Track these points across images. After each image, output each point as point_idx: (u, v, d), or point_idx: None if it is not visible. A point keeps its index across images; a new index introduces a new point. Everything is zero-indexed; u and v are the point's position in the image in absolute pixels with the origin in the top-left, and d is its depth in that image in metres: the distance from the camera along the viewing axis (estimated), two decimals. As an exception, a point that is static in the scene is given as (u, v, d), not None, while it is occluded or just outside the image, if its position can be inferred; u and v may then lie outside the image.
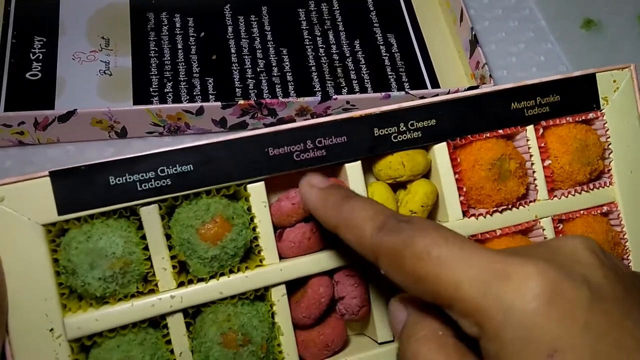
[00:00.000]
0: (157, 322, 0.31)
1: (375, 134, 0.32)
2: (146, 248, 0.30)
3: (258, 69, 0.50)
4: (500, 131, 0.34)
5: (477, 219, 0.34)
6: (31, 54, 0.48)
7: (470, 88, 0.47)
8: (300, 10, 0.55)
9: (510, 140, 0.35)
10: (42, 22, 0.50)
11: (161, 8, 0.53)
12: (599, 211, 0.36)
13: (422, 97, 0.48)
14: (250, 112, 0.46)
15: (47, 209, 0.28)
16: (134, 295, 0.30)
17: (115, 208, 0.29)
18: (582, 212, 0.36)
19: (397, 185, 0.35)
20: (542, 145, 0.35)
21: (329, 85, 0.50)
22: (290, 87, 0.50)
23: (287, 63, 0.51)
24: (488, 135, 0.34)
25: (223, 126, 0.47)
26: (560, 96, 0.35)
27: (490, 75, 0.48)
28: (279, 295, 0.32)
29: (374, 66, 0.52)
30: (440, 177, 0.34)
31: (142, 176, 0.29)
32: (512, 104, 0.34)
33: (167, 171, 0.29)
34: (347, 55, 0.52)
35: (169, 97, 0.48)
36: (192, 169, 0.30)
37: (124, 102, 0.47)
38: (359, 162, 0.32)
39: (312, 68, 0.51)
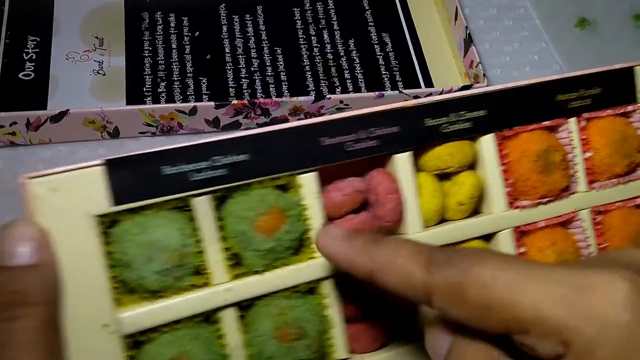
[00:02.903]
0: (208, 316, 0.30)
1: (427, 124, 0.32)
2: (198, 240, 0.29)
3: (252, 69, 0.50)
4: (546, 123, 0.34)
5: (521, 210, 0.34)
6: (24, 54, 0.48)
7: (463, 87, 0.47)
8: (295, 9, 0.55)
9: (554, 132, 0.36)
10: (36, 21, 0.50)
11: (156, 7, 0.53)
12: (633, 203, 0.37)
13: (415, 97, 0.48)
14: (243, 112, 0.46)
15: (100, 199, 0.27)
16: (188, 289, 0.29)
17: (169, 199, 0.28)
18: (618, 204, 0.36)
19: (440, 177, 0.35)
20: (584, 137, 0.35)
21: (323, 84, 0.50)
22: (284, 86, 0.50)
23: (281, 62, 0.51)
24: (534, 127, 0.34)
25: (216, 126, 0.47)
26: (601, 89, 0.35)
27: (484, 75, 0.48)
28: (330, 288, 0.31)
29: (368, 65, 0.52)
30: (487, 168, 0.34)
31: (196, 166, 0.28)
32: (558, 96, 0.34)
33: (222, 161, 0.28)
34: (342, 54, 0.52)
35: (162, 97, 0.48)
36: (246, 158, 0.29)
37: (116, 102, 0.47)
38: (408, 153, 0.32)
39: (306, 67, 0.51)
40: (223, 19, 0.53)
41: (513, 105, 0.33)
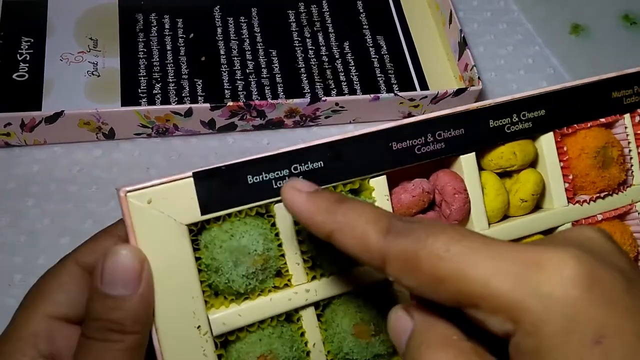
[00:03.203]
0: (290, 315, 0.31)
1: (491, 125, 0.33)
2: (280, 244, 0.31)
3: (247, 71, 0.50)
4: (603, 120, 0.35)
5: (581, 205, 0.35)
6: (18, 55, 0.48)
7: (458, 90, 0.48)
8: (290, 11, 0.55)
9: (610, 129, 0.37)
10: (30, 22, 0.50)
11: (150, 9, 0.53)
12: None
13: (411, 99, 0.48)
14: (239, 114, 0.46)
15: (190, 209, 0.28)
16: (271, 290, 0.31)
17: (253, 206, 0.30)
18: None
19: (500, 175, 0.36)
20: (639, 132, 0.37)
21: (318, 87, 0.50)
22: (279, 88, 0.50)
23: (276, 65, 0.51)
24: (591, 124, 0.35)
25: (212, 128, 0.47)
26: None
27: (478, 78, 0.48)
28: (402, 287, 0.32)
29: (363, 68, 0.52)
30: (547, 165, 0.35)
31: (278, 174, 0.29)
32: (613, 93, 0.35)
33: (300, 168, 0.30)
34: (337, 57, 0.52)
35: (158, 98, 0.48)
36: (322, 165, 0.30)
37: (112, 104, 0.47)
38: (473, 154, 0.33)
39: (302, 70, 0.51)
40: (218, 21, 0.53)
41: (571, 103, 0.35)
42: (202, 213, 0.28)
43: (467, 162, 0.33)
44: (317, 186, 0.26)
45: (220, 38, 0.52)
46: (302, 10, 0.55)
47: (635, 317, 0.19)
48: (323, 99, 0.46)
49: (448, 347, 0.21)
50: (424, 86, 0.52)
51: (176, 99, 0.48)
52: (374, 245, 0.22)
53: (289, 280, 0.31)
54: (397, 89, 0.51)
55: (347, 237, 0.23)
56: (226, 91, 0.49)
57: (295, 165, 0.30)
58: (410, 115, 0.50)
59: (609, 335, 0.19)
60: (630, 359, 0.19)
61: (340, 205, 0.24)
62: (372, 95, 0.47)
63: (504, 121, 0.33)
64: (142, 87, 0.48)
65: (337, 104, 0.47)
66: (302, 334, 0.31)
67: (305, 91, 0.50)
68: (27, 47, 0.49)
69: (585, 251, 0.20)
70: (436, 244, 0.21)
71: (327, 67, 0.52)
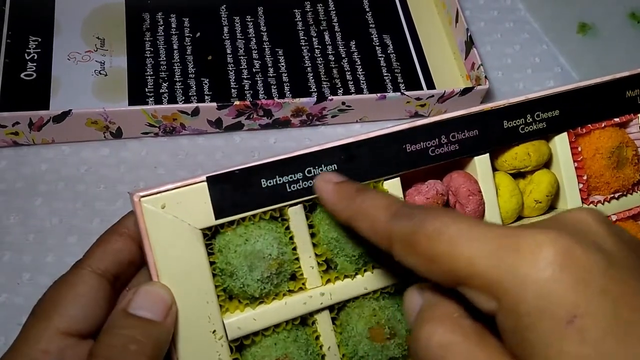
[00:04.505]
0: (304, 319, 0.31)
1: (505, 126, 0.33)
2: (294, 248, 0.31)
3: (254, 70, 0.50)
4: (617, 119, 0.35)
5: (595, 206, 0.35)
6: (26, 54, 0.48)
7: (465, 89, 0.48)
8: (296, 10, 0.55)
9: (624, 128, 0.37)
10: (37, 21, 0.50)
11: (157, 8, 0.53)
12: None
13: (417, 98, 0.48)
14: (245, 113, 0.46)
15: (204, 213, 0.28)
16: (285, 294, 0.31)
17: (267, 210, 0.29)
18: None
19: (514, 176, 0.36)
20: None
21: (325, 86, 0.50)
22: (286, 87, 0.50)
23: (282, 64, 0.51)
24: (605, 123, 0.35)
25: (219, 127, 0.47)
26: None
27: (485, 77, 0.48)
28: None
29: (370, 67, 0.52)
30: (561, 166, 0.35)
31: (292, 177, 0.29)
32: (627, 92, 0.35)
33: (314, 171, 0.30)
34: (343, 56, 0.52)
35: (165, 97, 0.48)
36: (336, 168, 0.30)
37: (119, 103, 0.47)
38: (487, 155, 0.33)
39: (308, 69, 0.51)
40: (224, 20, 0.53)
41: (584, 103, 0.34)
42: (217, 217, 0.28)
43: (481, 163, 0.33)
44: (344, 178, 0.29)
45: (227, 37, 0.52)
46: (308, 9, 0.55)
47: (610, 298, 0.20)
48: (330, 98, 0.46)
49: (446, 323, 0.22)
50: (430, 85, 0.52)
51: (183, 98, 0.48)
52: (381, 227, 0.25)
53: (303, 283, 0.31)
54: (403, 88, 0.51)
55: (361, 221, 0.26)
56: (233, 90, 0.49)
57: (309, 168, 0.30)
58: (417, 114, 0.50)
59: (581, 314, 0.19)
60: (602, 340, 0.19)
61: (359, 194, 0.27)
62: (378, 95, 0.47)
63: (518, 122, 0.33)
64: (149, 86, 0.48)
65: (343, 103, 0.47)
66: (317, 338, 0.31)
67: (312, 90, 0.50)
68: (34, 46, 0.49)
69: (568, 233, 0.21)
70: (431, 226, 0.22)
71: (333, 66, 0.52)
